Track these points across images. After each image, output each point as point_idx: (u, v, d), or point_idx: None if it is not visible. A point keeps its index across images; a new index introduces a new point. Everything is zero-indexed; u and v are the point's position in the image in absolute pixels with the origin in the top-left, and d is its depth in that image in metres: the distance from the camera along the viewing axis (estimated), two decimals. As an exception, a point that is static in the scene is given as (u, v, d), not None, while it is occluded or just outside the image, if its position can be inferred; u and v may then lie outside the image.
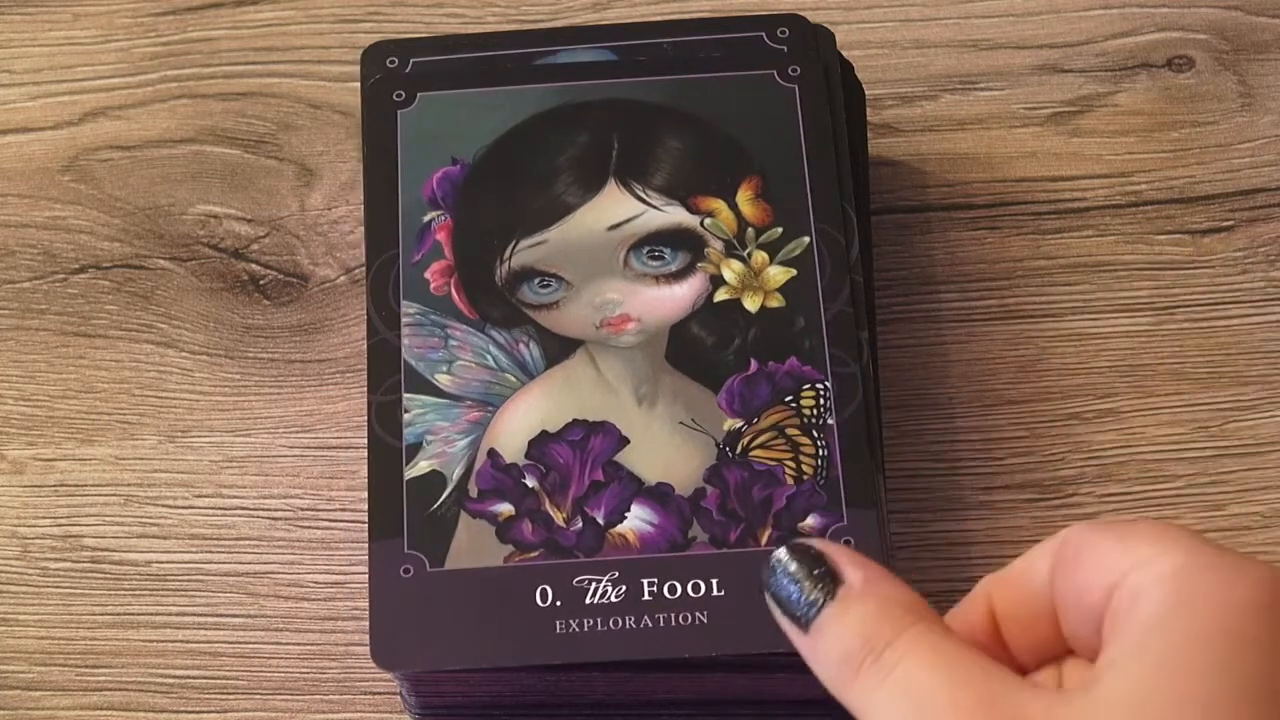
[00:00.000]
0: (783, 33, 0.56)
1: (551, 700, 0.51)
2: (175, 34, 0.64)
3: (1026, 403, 0.57)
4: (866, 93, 0.58)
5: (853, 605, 0.40)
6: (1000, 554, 0.54)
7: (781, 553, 0.41)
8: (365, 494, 0.52)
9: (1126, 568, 0.38)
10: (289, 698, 0.53)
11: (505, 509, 0.49)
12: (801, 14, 0.57)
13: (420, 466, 0.50)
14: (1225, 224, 0.60)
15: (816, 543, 0.41)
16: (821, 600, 0.40)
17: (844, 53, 0.57)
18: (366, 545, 0.51)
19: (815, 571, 0.41)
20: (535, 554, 0.49)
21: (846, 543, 0.48)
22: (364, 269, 0.54)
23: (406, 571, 0.48)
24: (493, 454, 0.50)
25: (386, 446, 0.50)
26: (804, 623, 0.40)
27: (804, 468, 0.50)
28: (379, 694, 0.52)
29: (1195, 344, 0.58)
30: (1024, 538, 0.54)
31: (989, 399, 0.57)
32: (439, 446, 0.50)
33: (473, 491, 0.50)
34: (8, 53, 0.64)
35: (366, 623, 0.53)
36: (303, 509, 0.56)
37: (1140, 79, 0.62)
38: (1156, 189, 0.60)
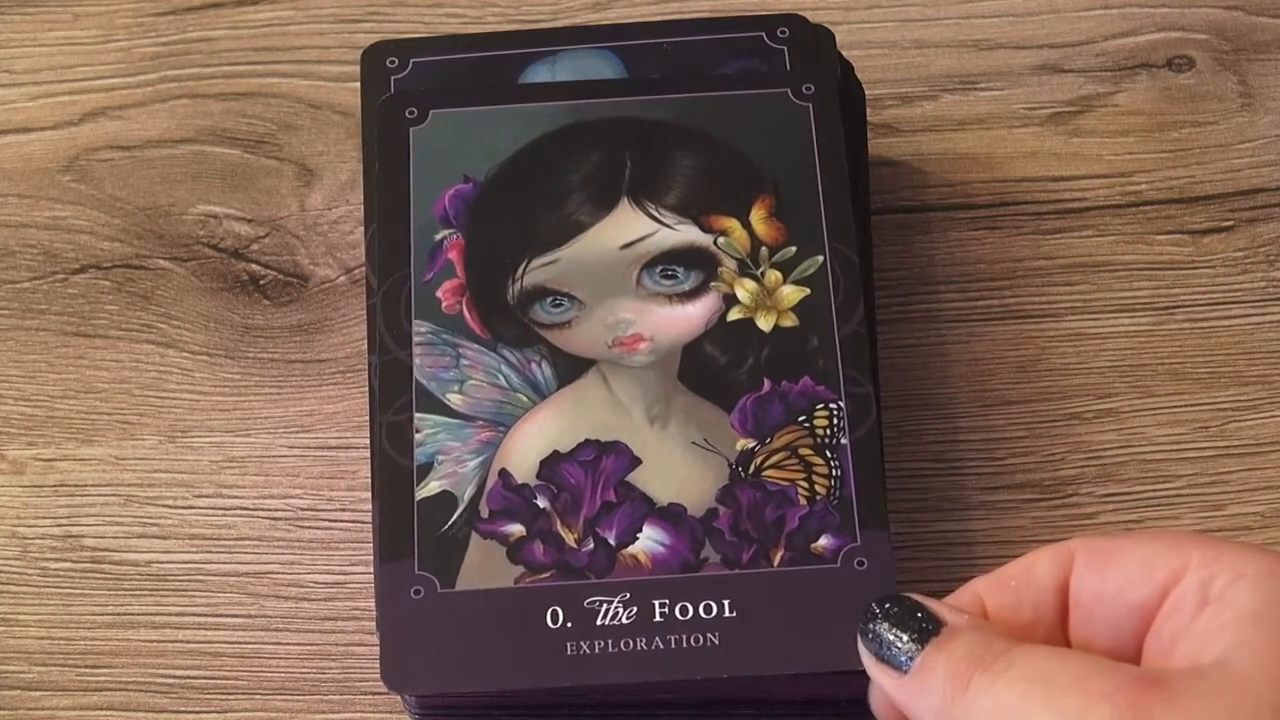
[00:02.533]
0: (782, 33, 0.56)
1: (553, 701, 0.51)
2: (175, 34, 0.64)
3: (1026, 403, 0.57)
4: (866, 93, 0.58)
5: (960, 635, 0.42)
6: (1000, 554, 0.54)
7: (880, 601, 0.43)
8: (366, 494, 0.52)
9: (1179, 566, 0.41)
10: (289, 698, 0.53)
11: (516, 530, 0.49)
12: (801, 14, 0.57)
13: (431, 487, 0.50)
14: (1225, 224, 0.60)
15: (913, 595, 0.43)
16: (924, 640, 0.42)
17: (844, 53, 0.57)
18: (368, 546, 0.51)
19: (917, 615, 0.43)
20: (546, 575, 0.48)
21: (860, 564, 0.48)
22: (364, 269, 0.54)
23: (417, 593, 0.48)
24: (504, 474, 0.50)
25: (397, 466, 0.50)
26: (905, 665, 0.42)
27: (817, 488, 0.49)
28: (379, 694, 0.52)
29: (1195, 344, 0.58)
30: (1024, 538, 0.54)
31: (989, 399, 0.57)
32: (450, 467, 0.50)
33: (484, 512, 0.49)
34: (8, 53, 0.64)
35: (367, 623, 0.53)
36: (303, 509, 0.56)
37: (1140, 79, 0.62)
38: (1156, 189, 0.60)
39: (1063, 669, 0.39)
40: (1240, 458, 0.56)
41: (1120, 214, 0.60)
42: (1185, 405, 0.56)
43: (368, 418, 0.52)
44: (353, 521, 0.55)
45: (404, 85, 0.56)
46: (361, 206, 0.56)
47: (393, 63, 0.56)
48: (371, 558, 0.50)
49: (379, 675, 0.48)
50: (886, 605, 0.43)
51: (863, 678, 0.49)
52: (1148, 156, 0.61)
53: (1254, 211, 0.60)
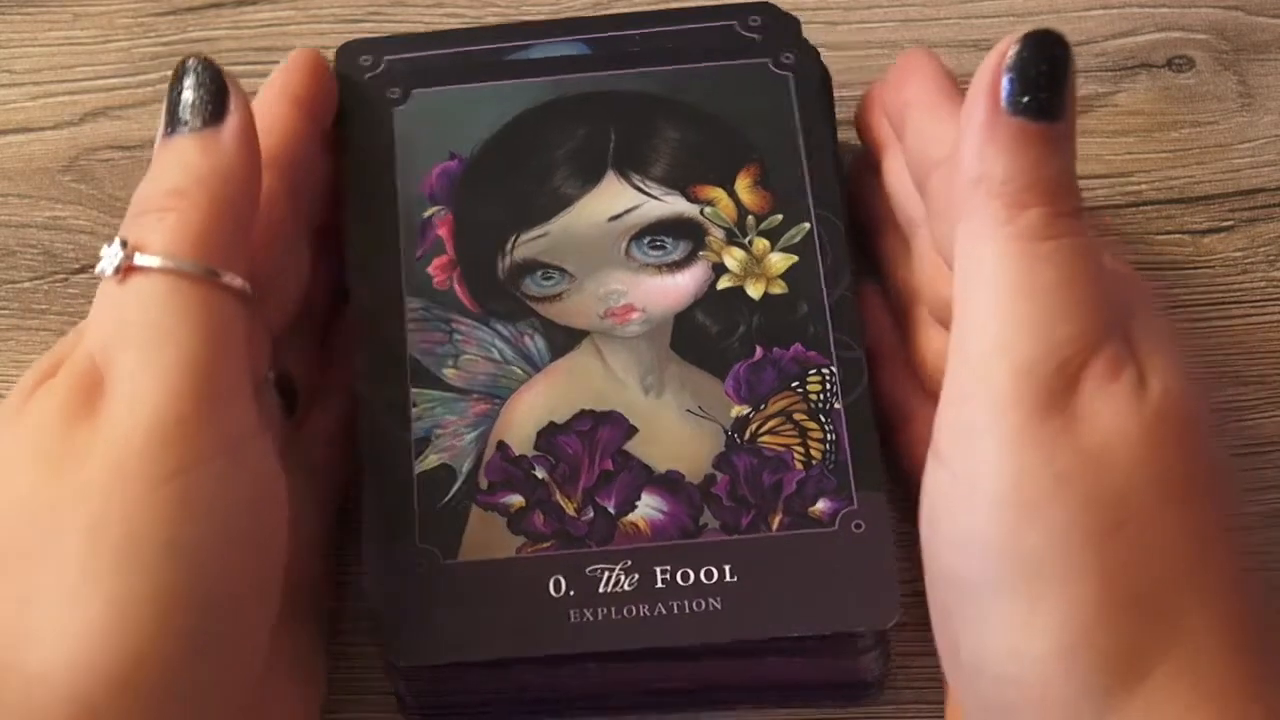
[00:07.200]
0: (754, 21, 0.56)
1: (550, 696, 0.51)
2: (175, 34, 0.64)
3: (1026, 403, 0.57)
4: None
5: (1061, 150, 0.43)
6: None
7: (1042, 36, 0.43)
8: (364, 493, 0.52)
9: None
10: (289, 697, 0.53)
11: (516, 500, 0.50)
12: (797, 13, 0.57)
13: (429, 460, 0.50)
14: (1225, 224, 0.60)
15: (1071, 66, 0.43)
16: (1048, 114, 0.42)
17: (844, 52, 0.57)
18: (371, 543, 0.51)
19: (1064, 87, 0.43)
20: (547, 545, 0.49)
21: (857, 527, 0.48)
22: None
23: (419, 566, 0.49)
24: (502, 446, 0.50)
25: (395, 441, 0.50)
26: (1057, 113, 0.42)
27: (812, 452, 0.50)
28: (379, 694, 0.52)
29: (1195, 344, 0.58)
30: (1024, 538, 0.54)
31: (989, 399, 0.57)
32: (447, 440, 0.50)
33: (483, 484, 0.50)
34: (8, 53, 0.64)
35: (366, 622, 0.53)
36: (303, 509, 0.55)
37: (1140, 79, 0.63)
38: (1156, 189, 0.60)
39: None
40: (1240, 458, 0.56)
41: (1120, 214, 0.60)
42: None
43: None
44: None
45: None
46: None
47: (366, 60, 0.56)
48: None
49: (383, 652, 0.48)
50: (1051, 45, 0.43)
51: (859, 660, 0.49)
52: (1148, 156, 0.61)
53: (1254, 211, 0.60)
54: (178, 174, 0.46)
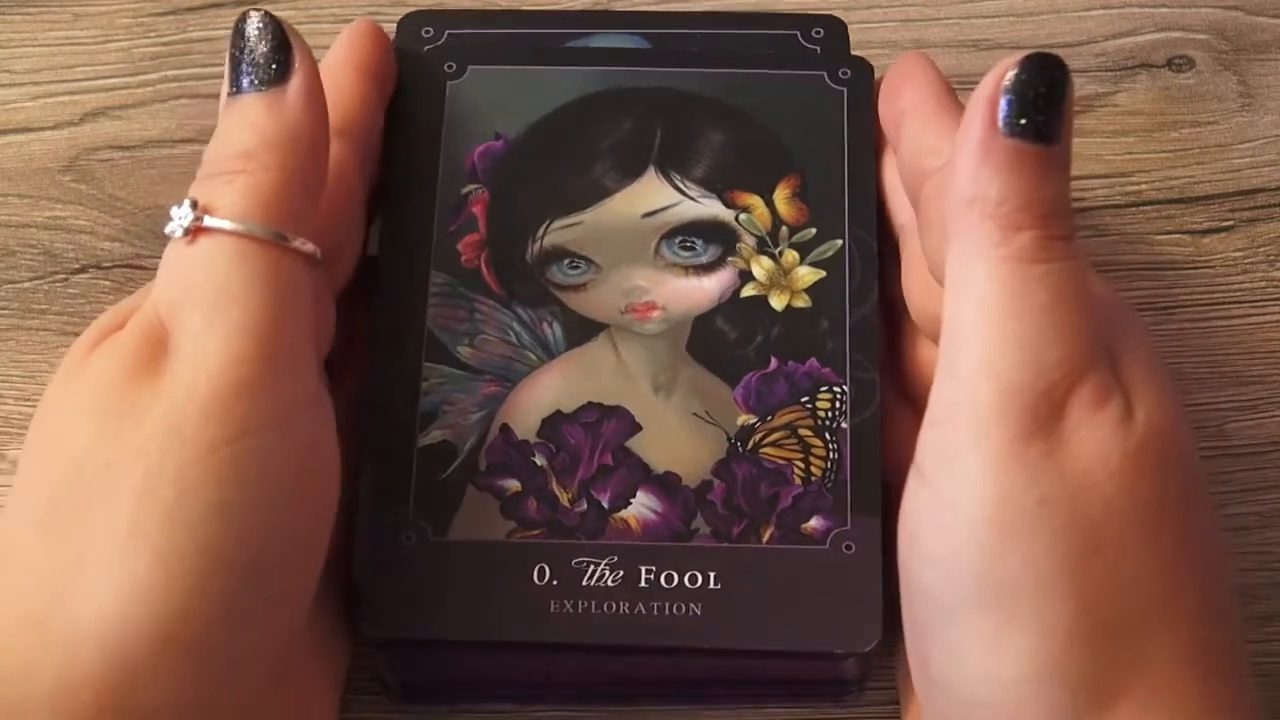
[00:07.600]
0: (817, 33, 0.56)
1: (527, 681, 0.51)
2: (175, 34, 0.64)
3: (1026, 403, 0.57)
4: (867, 93, 0.58)
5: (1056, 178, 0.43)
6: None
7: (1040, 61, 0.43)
8: (363, 460, 0.52)
9: None
10: (289, 698, 0.53)
11: (512, 485, 0.50)
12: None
13: (433, 435, 0.50)
14: (1225, 224, 0.60)
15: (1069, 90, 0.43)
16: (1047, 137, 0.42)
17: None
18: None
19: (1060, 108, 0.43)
20: (537, 532, 0.49)
21: (848, 548, 0.48)
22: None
23: (409, 538, 0.49)
24: (505, 429, 0.50)
25: (400, 413, 0.50)
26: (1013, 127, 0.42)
27: (813, 469, 0.50)
28: (378, 693, 0.52)
29: (1195, 344, 0.58)
30: (1024, 538, 0.54)
31: (989, 399, 0.57)
32: (454, 418, 0.50)
33: (482, 465, 0.50)
34: (8, 53, 0.64)
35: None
36: (303, 509, 0.55)
37: (1140, 79, 0.63)
38: (1156, 189, 0.60)
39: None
40: (1240, 458, 0.56)
41: (1120, 214, 0.60)
42: (1185, 405, 0.56)
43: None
44: (353, 521, 0.55)
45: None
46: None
47: (428, 32, 0.56)
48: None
49: (358, 619, 0.48)
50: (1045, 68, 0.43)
51: (838, 661, 0.49)
52: (1148, 156, 0.61)
53: (1254, 211, 0.60)
54: (246, 135, 0.45)
